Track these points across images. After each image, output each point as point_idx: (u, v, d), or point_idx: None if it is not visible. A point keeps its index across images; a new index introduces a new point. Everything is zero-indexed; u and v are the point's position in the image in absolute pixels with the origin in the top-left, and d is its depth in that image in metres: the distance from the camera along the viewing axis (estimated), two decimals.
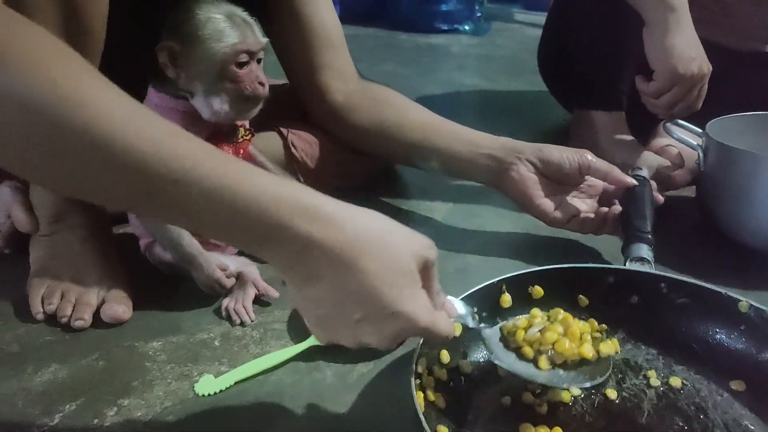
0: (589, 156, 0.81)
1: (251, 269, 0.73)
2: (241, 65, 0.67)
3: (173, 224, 0.64)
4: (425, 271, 0.46)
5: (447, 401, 0.54)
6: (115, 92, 0.41)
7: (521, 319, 0.56)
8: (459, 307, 0.53)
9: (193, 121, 0.68)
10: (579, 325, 0.55)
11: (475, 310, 0.56)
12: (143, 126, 0.40)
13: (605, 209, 0.82)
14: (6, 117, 0.38)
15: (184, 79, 0.67)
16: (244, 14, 0.68)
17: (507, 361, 0.54)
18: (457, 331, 0.60)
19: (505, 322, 0.57)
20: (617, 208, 0.82)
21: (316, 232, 0.41)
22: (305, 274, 0.43)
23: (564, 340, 0.53)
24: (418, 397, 0.49)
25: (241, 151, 0.74)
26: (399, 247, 0.44)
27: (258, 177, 0.42)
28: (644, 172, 0.87)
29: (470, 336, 0.59)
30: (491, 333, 0.56)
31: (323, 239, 0.41)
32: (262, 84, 0.69)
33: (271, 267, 0.79)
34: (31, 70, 0.38)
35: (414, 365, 0.52)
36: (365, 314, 0.43)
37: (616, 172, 0.81)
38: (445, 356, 0.57)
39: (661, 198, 0.84)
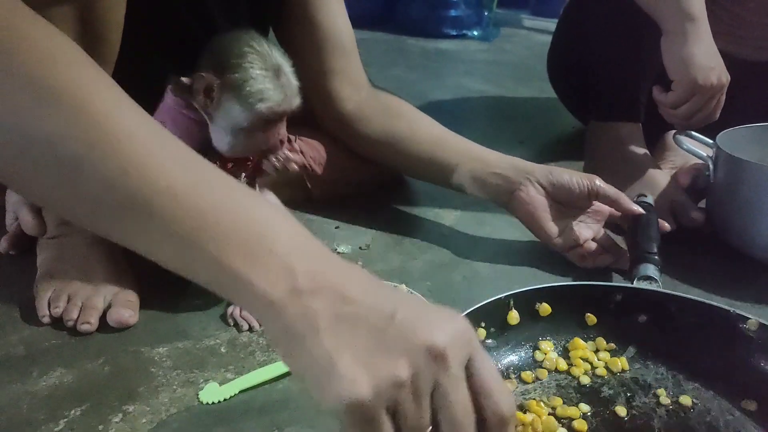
0: (598, 181, 0.81)
1: None
2: (269, 122, 0.66)
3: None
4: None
5: None
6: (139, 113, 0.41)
7: None
8: None
9: (201, 129, 0.68)
10: None
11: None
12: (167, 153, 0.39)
13: (607, 255, 0.83)
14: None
15: (210, 109, 0.66)
16: (290, 71, 0.66)
17: None
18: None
19: None
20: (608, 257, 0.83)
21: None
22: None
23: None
24: None
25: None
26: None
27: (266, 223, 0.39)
28: (649, 199, 0.87)
29: None
30: None
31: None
32: (282, 141, 0.68)
33: None
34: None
35: None
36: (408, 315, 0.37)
37: (624, 199, 0.81)
38: None
39: (667, 226, 0.83)
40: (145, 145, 0.39)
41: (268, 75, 0.64)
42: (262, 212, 0.39)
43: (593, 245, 0.83)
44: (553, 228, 0.82)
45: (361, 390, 0.33)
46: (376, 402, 0.33)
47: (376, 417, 0.33)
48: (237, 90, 0.63)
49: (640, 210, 0.81)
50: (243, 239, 0.37)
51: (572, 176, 0.81)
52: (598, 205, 0.84)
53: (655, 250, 0.77)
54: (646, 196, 0.88)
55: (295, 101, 0.67)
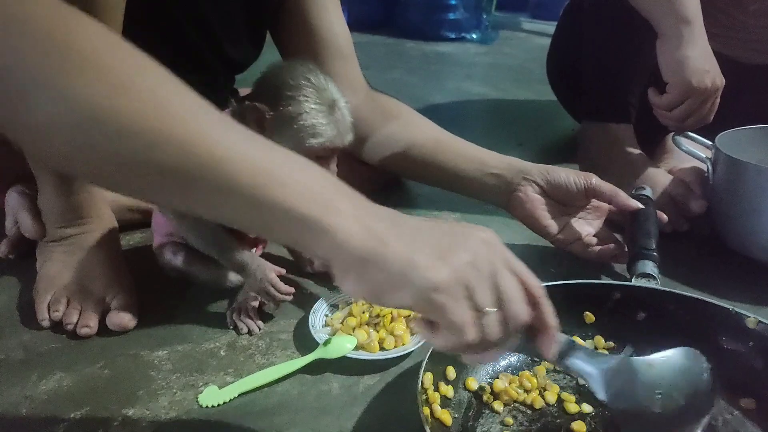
0: (595, 180, 0.81)
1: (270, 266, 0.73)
2: (320, 158, 0.64)
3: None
4: None
5: (453, 418, 0.54)
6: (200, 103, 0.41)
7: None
8: None
9: None
10: None
11: None
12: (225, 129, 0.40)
13: (609, 245, 0.82)
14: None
15: None
16: (344, 105, 0.65)
17: None
18: None
19: None
20: (610, 247, 0.82)
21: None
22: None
23: None
24: (425, 412, 0.48)
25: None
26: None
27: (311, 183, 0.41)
28: (647, 191, 0.87)
29: None
30: None
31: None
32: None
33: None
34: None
35: (420, 381, 0.51)
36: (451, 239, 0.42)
37: (621, 195, 0.81)
38: (450, 372, 0.57)
39: (665, 217, 0.83)
40: (199, 118, 0.40)
41: (323, 110, 0.63)
42: (322, 178, 0.42)
43: (594, 240, 0.83)
44: (553, 225, 0.82)
45: (441, 273, 0.39)
46: (456, 281, 0.39)
47: (457, 294, 0.39)
48: (289, 123, 0.62)
49: (638, 205, 0.81)
50: (309, 194, 0.40)
51: (569, 175, 0.82)
52: (596, 202, 0.84)
53: (653, 246, 0.76)
54: (644, 188, 0.87)
55: (348, 137, 0.66)
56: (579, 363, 0.48)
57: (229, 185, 0.38)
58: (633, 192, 0.86)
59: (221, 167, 0.38)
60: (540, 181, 0.82)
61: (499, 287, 0.41)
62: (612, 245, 0.81)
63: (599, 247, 0.82)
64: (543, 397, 0.58)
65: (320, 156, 0.64)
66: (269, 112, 0.63)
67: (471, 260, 0.40)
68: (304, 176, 0.41)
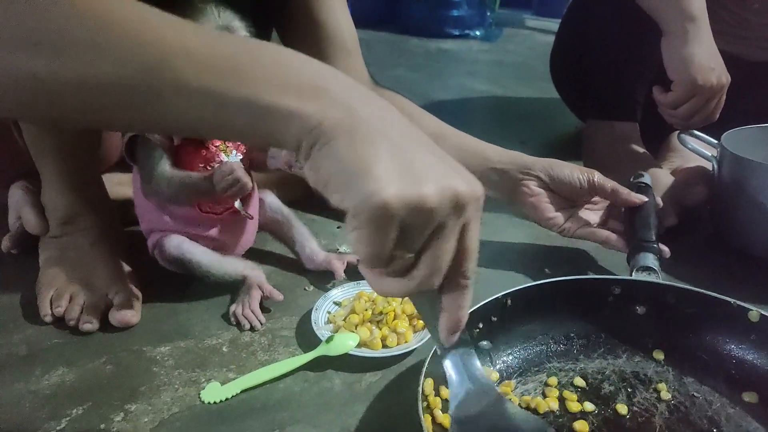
0: (597, 176, 0.81)
1: (256, 273, 0.73)
2: None
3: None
4: None
5: None
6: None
7: None
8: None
9: None
10: None
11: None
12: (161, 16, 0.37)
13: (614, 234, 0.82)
14: None
15: None
16: (241, 32, 0.67)
17: None
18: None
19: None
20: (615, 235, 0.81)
21: (350, 89, 0.39)
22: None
23: None
24: (426, 421, 0.48)
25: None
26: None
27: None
28: (646, 178, 0.86)
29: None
30: None
31: (354, 91, 0.39)
32: None
33: (277, 272, 0.80)
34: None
35: (421, 387, 0.51)
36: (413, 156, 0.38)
37: (623, 192, 0.81)
38: None
39: (661, 202, 0.83)
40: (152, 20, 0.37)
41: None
42: (285, 52, 0.39)
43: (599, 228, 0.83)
44: (559, 217, 0.82)
45: (388, 194, 0.33)
46: (397, 212, 0.34)
47: (389, 226, 0.34)
48: None
49: (641, 200, 0.80)
50: (273, 74, 0.37)
51: (573, 171, 0.81)
52: (596, 197, 0.84)
53: (654, 237, 0.76)
54: (643, 176, 0.87)
55: None
56: (454, 366, 0.44)
57: (179, 84, 0.36)
58: (632, 180, 0.86)
59: (169, 65, 0.35)
60: (543, 176, 0.82)
61: (432, 247, 0.36)
62: (615, 236, 0.81)
63: (606, 233, 0.82)
64: (546, 402, 0.58)
65: None
66: None
67: (430, 204, 0.35)
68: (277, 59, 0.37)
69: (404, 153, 0.36)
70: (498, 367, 0.61)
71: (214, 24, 0.66)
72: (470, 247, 0.38)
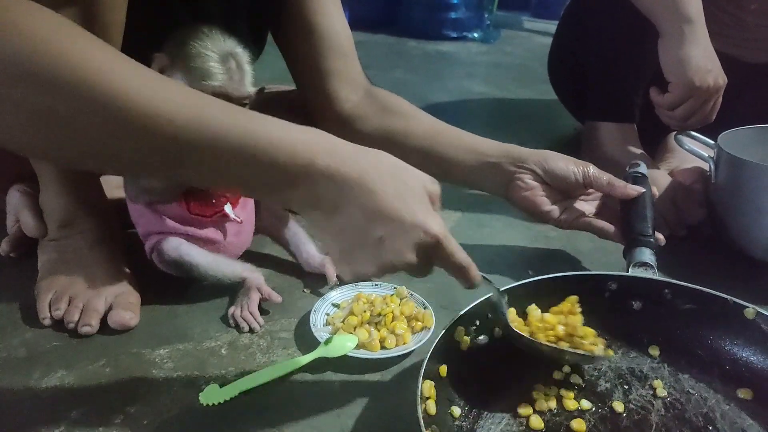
0: (592, 169, 0.81)
1: (255, 275, 0.73)
2: None
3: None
4: (432, 202, 0.51)
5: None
6: (130, 62, 0.44)
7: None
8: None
9: None
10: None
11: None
12: (162, 92, 0.43)
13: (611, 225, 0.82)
14: (20, 92, 0.40)
15: None
16: (243, 59, 0.68)
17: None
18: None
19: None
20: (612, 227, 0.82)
21: (337, 166, 0.47)
22: (329, 208, 0.48)
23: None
24: (424, 422, 0.48)
25: None
26: (409, 176, 0.50)
27: (279, 125, 0.47)
28: (642, 168, 0.86)
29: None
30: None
31: (344, 172, 0.47)
32: None
33: (276, 275, 0.80)
34: (45, 44, 0.40)
35: (420, 388, 0.51)
36: (386, 231, 0.47)
37: (619, 185, 0.81)
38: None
39: (656, 192, 0.83)
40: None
41: (214, 56, 0.66)
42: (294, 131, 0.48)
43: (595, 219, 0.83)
44: (554, 210, 0.82)
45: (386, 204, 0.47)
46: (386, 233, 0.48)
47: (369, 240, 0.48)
48: (183, 68, 0.66)
49: (637, 191, 0.80)
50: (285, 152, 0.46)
51: (567, 164, 0.81)
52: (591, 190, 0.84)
53: (650, 231, 0.76)
54: (638, 165, 0.87)
55: (245, 88, 0.68)
56: None
57: (213, 151, 0.44)
58: (627, 170, 0.85)
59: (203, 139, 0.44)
60: (537, 169, 0.81)
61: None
62: (613, 227, 0.81)
63: (603, 223, 0.82)
64: (544, 399, 0.58)
65: None
66: (168, 61, 0.66)
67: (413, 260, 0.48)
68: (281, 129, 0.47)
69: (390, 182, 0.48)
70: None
71: (219, 49, 0.67)
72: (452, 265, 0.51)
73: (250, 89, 0.69)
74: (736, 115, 0.96)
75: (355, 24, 0.94)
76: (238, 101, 0.68)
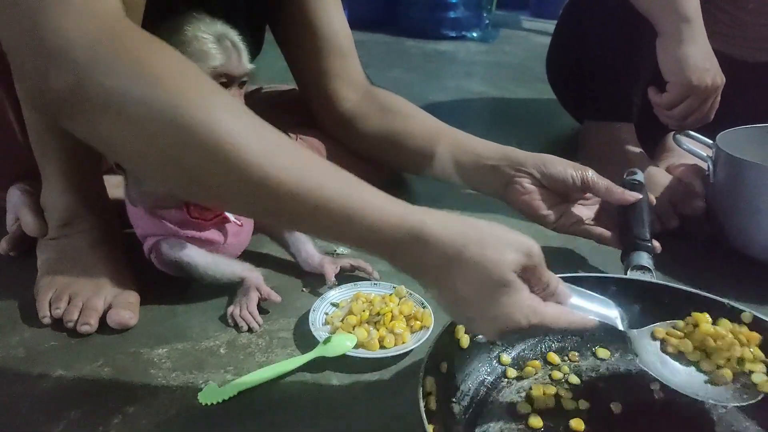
0: (591, 173, 0.81)
1: (255, 274, 0.73)
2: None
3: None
4: (527, 273, 0.50)
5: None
6: (255, 123, 0.47)
7: (679, 324, 0.57)
8: (607, 309, 0.55)
9: None
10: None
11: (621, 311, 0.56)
12: (277, 155, 0.46)
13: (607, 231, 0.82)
14: (165, 141, 0.44)
15: None
16: (236, 38, 0.69)
17: (655, 368, 0.54)
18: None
19: (657, 325, 0.57)
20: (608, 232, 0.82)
21: (420, 254, 0.48)
22: (432, 283, 0.50)
23: (742, 349, 0.53)
24: (426, 420, 0.48)
25: None
26: (494, 260, 0.48)
27: (375, 199, 0.49)
28: (639, 176, 0.86)
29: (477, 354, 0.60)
30: (639, 335, 0.56)
31: (425, 260, 0.48)
32: None
33: (275, 274, 0.80)
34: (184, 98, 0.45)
35: (421, 383, 0.51)
36: (474, 315, 0.50)
37: (617, 190, 0.81)
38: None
39: (654, 199, 0.83)
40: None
41: (209, 38, 0.67)
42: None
43: (593, 224, 0.83)
44: (551, 214, 0.82)
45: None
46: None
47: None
48: (182, 52, 0.65)
49: (636, 197, 0.80)
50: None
51: (566, 168, 0.81)
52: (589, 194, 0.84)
53: (648, 236, 0.76)
54: (636, 173, 0.87)
55: (243, 65, 0.69)
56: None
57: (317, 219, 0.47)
58: (625, 177, 0.86)
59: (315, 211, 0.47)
60: (536, 173, 0.81)
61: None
62: (610, 232, 0.81)
63: (601, 229, 0.82)
64: (543, 399, 0.58)
65: (220, 84, 0.67)
66: None
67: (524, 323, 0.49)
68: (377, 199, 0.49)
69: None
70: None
71: (212, 31, 0.67)
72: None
73: (249, 66, 0.70)
74: (734, 115, 0.96)
75: (354, 23, 0.94)
76: (239, 78, 0.69)
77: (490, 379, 0.60)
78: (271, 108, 0.78)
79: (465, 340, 0.60)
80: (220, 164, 0.45)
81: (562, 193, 0.83)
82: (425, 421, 0.47)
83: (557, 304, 0.52)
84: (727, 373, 0.53)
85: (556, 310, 0.51)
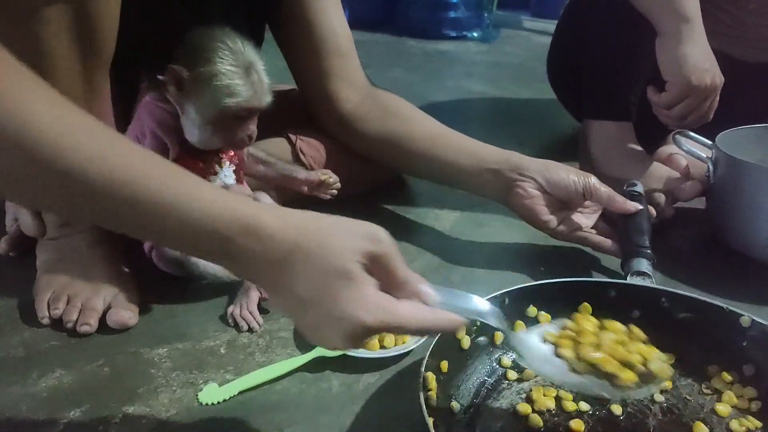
0: (593, 180, 0.81)
1: None
2: (239, 118, 0.68)
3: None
4: (376, 264, 0.44)
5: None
6: (69, 113, 0.43)
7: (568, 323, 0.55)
8: (482, 305, 0.50)
9: (176, 121, 0.69)
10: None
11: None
12: (91, 146, 0.42)
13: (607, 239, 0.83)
14: None
15: (181, 102, 0.67)
16: (261, 68, 0.68)
17: (536, 365, 0.52)
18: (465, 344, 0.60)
19: (547, 327, 0.55)
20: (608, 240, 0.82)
21: (255, 248, 0.43)
22: (270, 285, 0.45)
23: (619, 347, 0.51)
24: (427, 413, 0.48)
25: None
26: (336, 250, 0.43)
27: (207, 192, 0.44)
28: (639, 188, 0.87)
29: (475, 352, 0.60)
30: (523, 337, 0.54)
31: (260, 256, 0.43)
32: (250, 137, 0.70)
33: None
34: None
35: (422, 377, 0.51)
36: (317, 320, 0.43)
37: (618, 199, 0.81)
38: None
39: (654, 212, 0.84)
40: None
41: (238, 72, 0.66)
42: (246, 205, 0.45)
43: (593, 232, 0.84)
44: (552, 220, 0.82)
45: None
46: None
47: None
48: (206, 84, 0.65)
49: (636, 207, 0.81)
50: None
51: (569, 174, 0.82)
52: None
53: (647, 243, 0.77)
54: (635, 185, 0.88)
55: (265, 99, 0.69)
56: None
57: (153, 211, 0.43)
58: (624, 188, 0.86)
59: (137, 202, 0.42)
60: (539, 178, 0.82)
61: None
62: (610, 241, 0.82)
63: (600, 237, 0.82)
64: (543, 400, 0.58)
65: (238, 116, 0.67)
66: (186, 73, 0.65)
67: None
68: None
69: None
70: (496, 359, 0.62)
71: (241, 62, 0.66)
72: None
73: (269, 98, 0.70)
74: (734, 115, 0.96)
75: (354, 23, 0.94)
76: (259, 111, 0.69)
77: (490, 380, 0.60)
78: (271, 108, 0.78)
79: (466, 341, 0.60)
80: (27, 157, 0.40)
81: (563, 200, 0.83)
82: (425, 413, 0.47)
83: (414, 302, 0.45)
84: (629, 376, 0.50)
85: (413, 308, 0.44)
